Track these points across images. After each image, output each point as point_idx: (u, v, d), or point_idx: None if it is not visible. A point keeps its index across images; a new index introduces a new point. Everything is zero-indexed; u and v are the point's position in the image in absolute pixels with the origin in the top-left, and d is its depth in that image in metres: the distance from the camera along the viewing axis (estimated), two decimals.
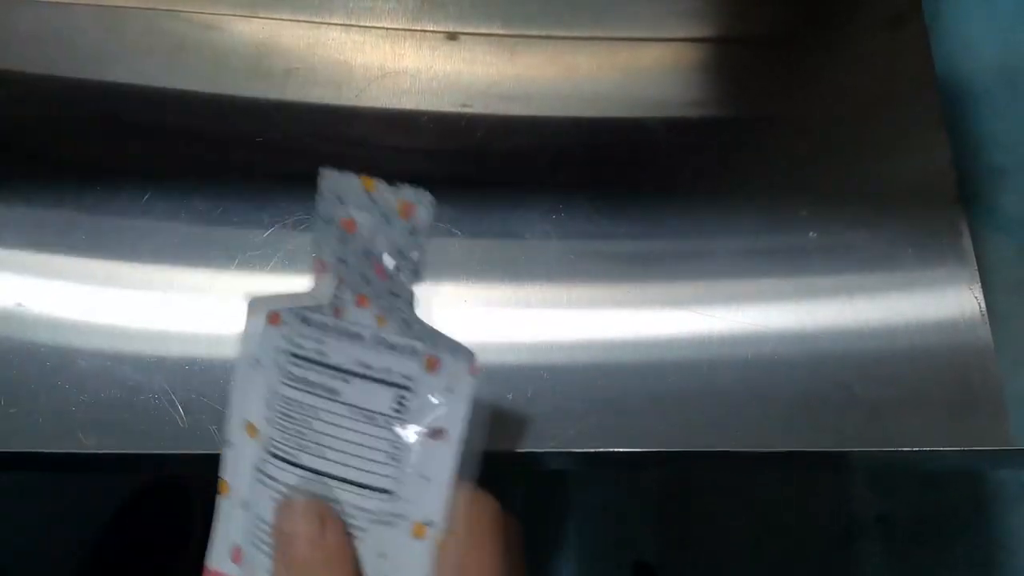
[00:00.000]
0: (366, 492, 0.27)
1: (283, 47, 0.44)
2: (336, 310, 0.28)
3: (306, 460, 0.27)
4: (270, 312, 0.28)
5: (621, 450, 0.36)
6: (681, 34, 0.47)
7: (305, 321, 0.28)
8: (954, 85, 0.99)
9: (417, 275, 0.28)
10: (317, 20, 0.45)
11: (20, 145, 0.42)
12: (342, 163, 0.41)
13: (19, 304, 0.37)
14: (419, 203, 0.27)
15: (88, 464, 0.35)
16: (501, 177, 0.42)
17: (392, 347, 0.28)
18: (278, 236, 0.39)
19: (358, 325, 0.28)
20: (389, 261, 0.28)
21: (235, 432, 0.28)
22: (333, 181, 0.27)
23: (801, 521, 0.90)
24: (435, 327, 0.28)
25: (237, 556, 0.27)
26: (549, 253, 0.40)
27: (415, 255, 0.28)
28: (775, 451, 0.36)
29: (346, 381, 0.27)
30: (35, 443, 0.34)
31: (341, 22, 0.45)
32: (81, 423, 0.35)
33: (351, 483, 0.27)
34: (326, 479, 0.27)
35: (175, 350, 0.37)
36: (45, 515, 0.86)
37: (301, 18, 0.45)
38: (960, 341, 0.39)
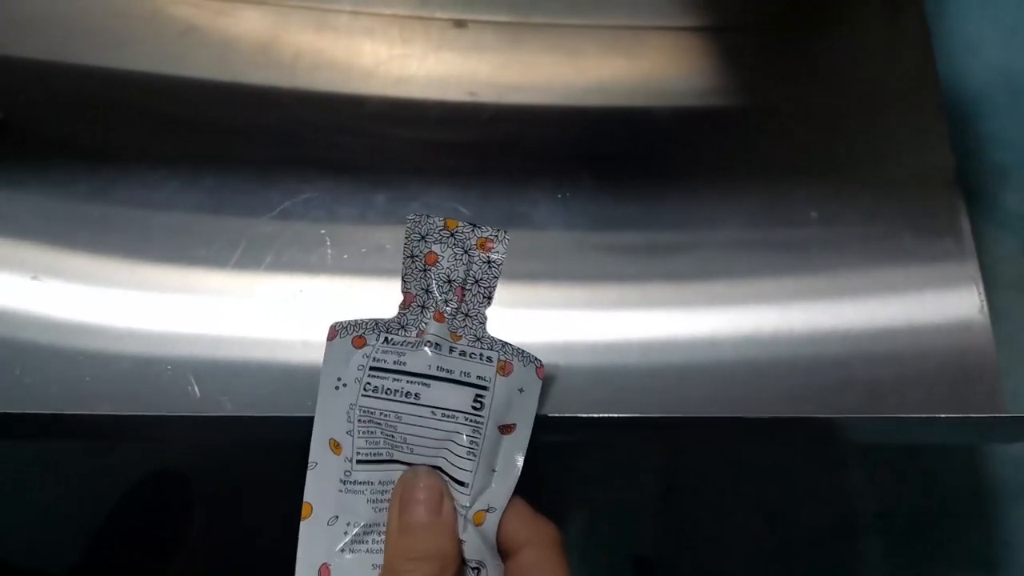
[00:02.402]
0: (448, 483, 0.29)
1: (292, 32, 0.45)
2: (420, 332, 0.31)
3: (398, 456, 0.29)
4: (355, 336, 0.30)
5: (619, 415, 0.36)
6: (685, 23, 0.47)
7: (388, 341, 0.30)
8: (957, 84, 1.00)
9: (489, 300, 0.32)
10: (326, 6, 0.46)
11: (33, 127, 0.42)
12: (349, 148, 0.42)
13: (34, 277, 0.38)
14: (496, 239, 0.31)
15: (101, 429, 0.36)
16: (506, 162, 0.43)
17: (467, 355, 0.30)
18: (288, 214, 0.40)
19: (435, 336, 0.30)
20: (466, 288, 0.31)
21: (319, 452, 0.30)
22: (417, 223, 0.31)
23: (802, 517, 0.90)
24: (504, 341, 0.31)
25: (325, 572, 0.29)
26: (553, 235, 0.41)
27: (489, 282, 0.31)
28: (770, 417, 0.37)
29: (426, 385, 0.30)
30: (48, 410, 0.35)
31: (350, 8, 0.46)
32: (95, 393, 0.35)
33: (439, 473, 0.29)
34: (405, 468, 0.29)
35: (188, 323, 0.37)
36: (47, 505, 0.87)
37: (310, 4, 0.46)
38: (956, 320, 0.39)
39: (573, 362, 0.38)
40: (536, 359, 0.31)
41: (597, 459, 0.88)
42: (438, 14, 0.46)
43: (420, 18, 0.46)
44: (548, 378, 0.37)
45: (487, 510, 0.29)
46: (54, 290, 0.38)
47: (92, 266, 0.38)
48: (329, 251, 0.39)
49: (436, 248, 0.31)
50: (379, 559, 0.28)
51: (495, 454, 0.30)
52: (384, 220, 0.40)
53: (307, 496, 0.29)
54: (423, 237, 0.31)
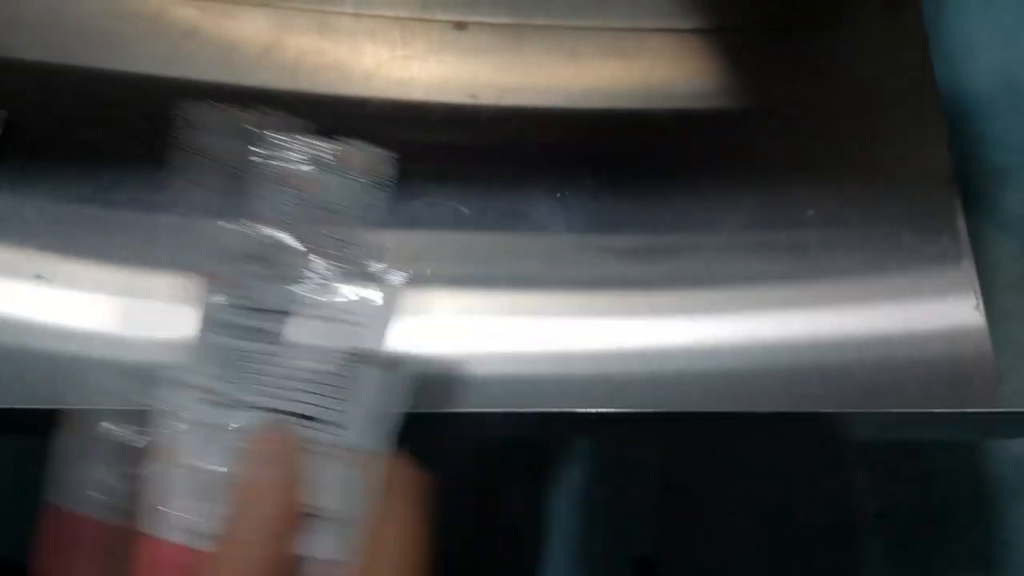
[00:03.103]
0: (310, 424, 0.27)
1: (294, 34, 0.45)
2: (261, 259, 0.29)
3: (250, 400, 0.27)
4: (208, 272, 0.29)
5: (620, 410, 0.37)
6: (684, 25, 0.47)
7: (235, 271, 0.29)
8: (956, 86, 1.00)
9: (361, 219, 0.30)
10: (328, 8, 0.46)
11: (37, 129, 0.43)
12: None
13: (39, 276, 0.38)
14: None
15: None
16: (506, 163, 0.43)
17: (327, 282, 0.29)
18: None
19: (292, 266, 0.29)
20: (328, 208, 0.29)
21: (169, 391, 0.28)
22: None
23: (803, 517, 0.91)
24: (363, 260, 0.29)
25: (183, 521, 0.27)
26: (553, 236, 0.41)
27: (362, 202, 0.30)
28: (768, 412, 0.37)
29: (280, 321, 0.28)
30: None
31: (351, 10, 0.46)
32: (100, 393, 0.36)
33: (294, 415, 0.27)
34: (272, 415, 0.27)
35: (191, 324, 0.37)
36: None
37: (312, 6, 0.46)
38: (954, 320, 0.40)
39: (572, 363, 0.38)
40: (396, 274, 0.29)
41: (596, 458, 0.88)
42: (439, 16, 0.46)
43: (421, 20, 0.46)
44: (547, 378, 0.37)
45: (363, 449, 0.27)
46: (58, 291, 0.38)
47: (96, 267, 0.39)
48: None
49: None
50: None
51: (362, 389, 0.28)
52: (385, 221, 0.40)
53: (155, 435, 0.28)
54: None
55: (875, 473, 0.92)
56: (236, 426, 0.27)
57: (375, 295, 0.29)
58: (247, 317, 0.28)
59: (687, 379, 0.38)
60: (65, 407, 0.35)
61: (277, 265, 0.29)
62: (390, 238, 0.40)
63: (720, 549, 0.90)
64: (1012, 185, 0.97)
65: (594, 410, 0.36)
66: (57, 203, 0.40)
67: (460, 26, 0.46)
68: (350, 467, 0.27)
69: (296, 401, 0.28)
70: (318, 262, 0.29)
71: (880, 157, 0.44)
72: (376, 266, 0.29)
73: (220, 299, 0.29)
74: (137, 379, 0.32)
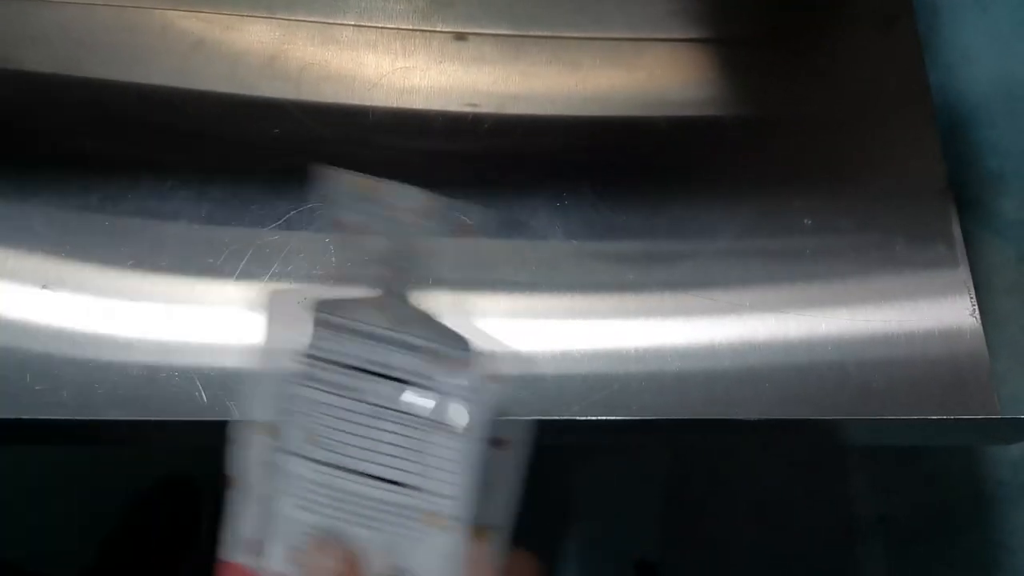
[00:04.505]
0: (383, 485, 0.28)
1: (298, 45, 0.46)
2: (357, 314, 0.29)
3: (322, 456, 0.28)
4: (289, 317, 0.29)
5: (617, 418, 0.37)
6: (682, 35, 0.48)
7: (325, 324, 0.29)
8: (952, 93, 1.01)
9: (409, 280, 0.30)
10: (331, 20, 0.47)
11: (45, 140, 0.43)
12: (353, 158, 0.43)
13: (44, 286, 0.39)
14: (419, 209, 0.29)
15: (111, 433, 0.37)
16: (506, 172, 0.44)
17: (413, 348, 0.29)
18: (293, 224, 0.41)
19: (375, 327, 0.29)
20: (407, 265, 0.29)
21: (246, 430, 0.29)
22: (333, 185, 0.29)
23: (804, 521, 0.91)
24: (460, 332, 0.29)
25: (250, 547, 0.28)
26: (553, 243, 0.41)
27: (415, 259, 0.30)
28: (765, 419, 0.38)
29: (367, 380, 0.28)
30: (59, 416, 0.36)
31: (354, 22, 0.47)
32: (104, 399, 0.36)
33: (368, 476, 0.28)
34: (343, 472, 0.28)
35: (195, 329, 0.38)
36: (56, 512, 0.87)
37: (315, 18, 0.46)
38: (949, 326, 0.40)
39: (571, 368, 0.38)
40: (492, 356, 0.29)
41: (597, 463, 0.89)
42: (439, 27, 0.47)
43: (422, 31, 0.47)
44: (548, 384, 0.38)
45: (447, 515, 0.28)
46: (64, 299, 0.39)
47: (102, 275, 0.39)
48: (333, 259, 0.40)
49: (355, 216, 0.29)
50: (285, 557, 0.28)
51: (443, 455, 0.28)
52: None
53: (232, 468, 0.28)
54: (340, 203, 0.29)
55: (874, 477, 0.92)
56: (304, 476, 0.28)
57: (476, 369, 0.29)
58: (347, 376, 0.29)
59: (685, 383, 0.38)
60: (68, 418, 0.36)
61: (382, 330, 0.29)
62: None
63: (720, 552, 0.90)
64: (1008, 191, 0.97)
65: (592, 418, 0.37)
66: (65, 212, 0.41)
67: (460, 37, 0.47)
68: (440, 534, 0.28)
69: (369, 462, 0.28)
70: (421, 332, 0.29)
71: (875, 165, 0.44)
72: (478, 336, 0.29)
73: (326, 356, 0.29)
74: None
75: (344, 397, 0.28)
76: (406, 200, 0.29)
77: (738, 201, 0.43)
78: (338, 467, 0.28)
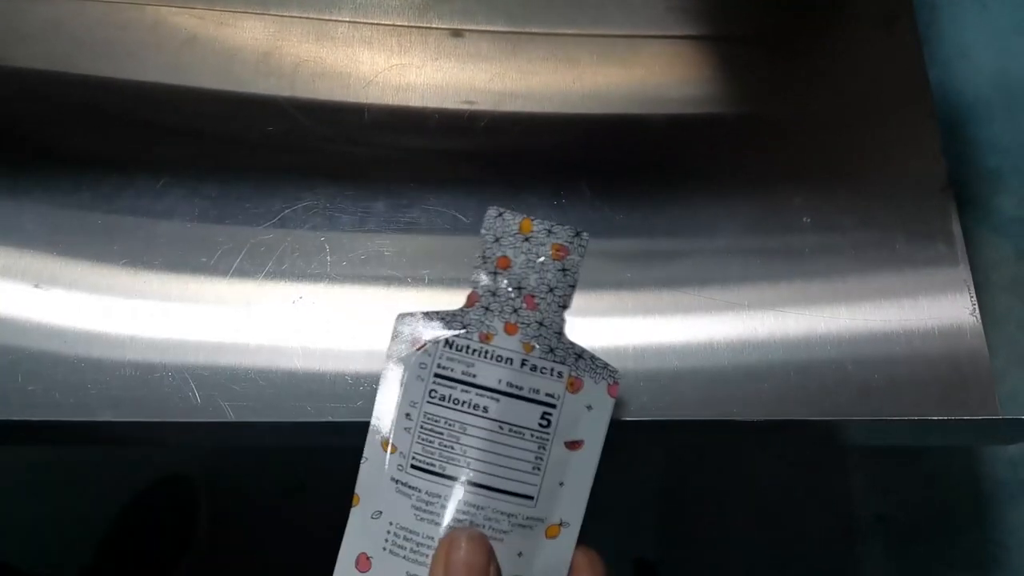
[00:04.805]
0: (508, 498, 0.29)
1: (292, 42, 0.45)
2: (483, 336, 0.30)
3: (452, 471, 0.29)
4: (414, 338, 0.30)
5: (616, 419, 0.36)
6: (681, 32, 0.48)
7: (450, 346, 0.30)
8: (950, 90, 1.01)
9: (565, 307, 0.31)
10: (325, 16, 0.46)
11: (37, 137, 0.43)
12: (348, 156, 0.43)
13: (37, 285, 0.38)
14: (571, 246, 0.32)
15: (103, 434, 0.36)
16: (503, 170, 0.43)
17: (538, 370, 0.30)
18: (288, 222, 0.40)
19: (506, 350, 0.30)
20: (538, 295, 0.31)
21: (372, 448, 0.30)
22: (492, 221, 0.31)
23: (802, 520, 0.91)
24: (580, 348, 0.31)
25: (364, 564, 0.29)
26: None
27: (564, 291, 0.31)
28: (763, 420, 0.37)
29: (495, 399, 0.30)
30: (52, 417, 0.36)
31: (349, 18, 0.46)
32: (97, 399, 0.36)
33: (495, 490, 0.29)
34: (471, 487, 0.29)
35: (189, 330, 0.38)
36: (52, 511, 0.87)
37: (310, 14, 0.46)
38: (949, 324, 0.40)
39: None
40: (611, 374, 0.31)
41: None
42: (436, 24, 0.46)
43: (418, 28, 0.46)
44: None
45: (560, 524, 0.30)
46: (57, 298, 0.38)
47: (95, 274, 0.39)
48: (328, 258, 0.40)
49: (509, 253, 0.31)
50: (413, 568, 0.29)
51: (562, 469, 0.30)
52: (383, 227, 0.41)
53: (357, 487, 0.30)
54: (497, 239, 0.31)
55: (874, 476, 0.92)
56: (431, 492, 0.29)
57: (590, 385, 0.31)
58: (465, 391, 0.30)
59: (684, 382, 0.38)
60: (61, 419, 0.35)
61: (498, 347, 0.30)
62: (389, 243, 0.40)
63: (719, 551, 0.90)
64: (1007, 188, 0.97)
65: None
66: (57, 210, 0.40)
67: (457, 34, 0.46)
68: (543, 536, 0.29)
69: (496, 476, 0.29)
70: (537, 348, 0.31)
71: (875, 163, 0.44)
72: (591, 359, 0.31)
73: (430, 363, 0.30)
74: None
75: (478, 416, 0.30)
76: (558, 237, 0.31)
77: (737, 199, 0.43)
78: (463, 481, 0.29)
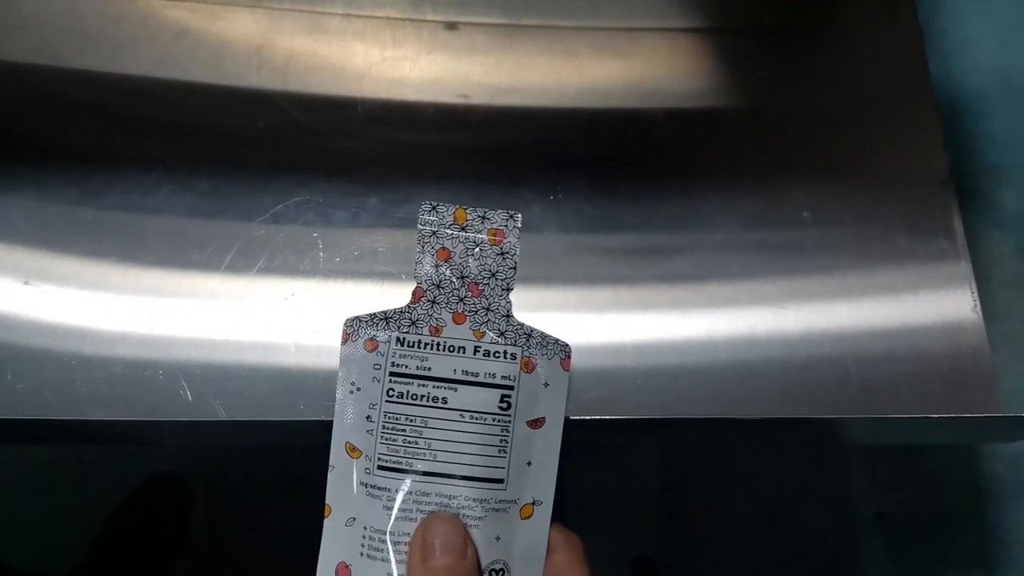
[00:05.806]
0: (480, 484, 0.30)
1: (284, 35, 0.45)
2: (433, 329, 0.31)
3: (419, 465, 0.29)
4: (366, 340, 0.30)
5: (614, 417, 0.36)
6: (678, 24, 0.47)
7: (402, 343, 0.30)
8: (952, 85, 1.00)
9: (509, 290, 0.32)
10: (318, 9, 0.46)
11: (27, 132, 0.42)
12: (341, 150, 0.42)
13: (26, 282, 0.38)
14: (507, 229, 0.32)
15: (94, 433, 0.36)
16: (499, 164, 0.43)
17: (491, 354, 0.31)
18: (280, 217, 0.40)
19: (458, 339, 0.31)
20: (481, 281, 0.31)
21: (337, 456, 0.30)
22: (427, 215, 0.31)
23: (802, 517, 0.90)
24: (529, 328, 0.31)
25: (344, 571, 0.29)
26: (547, 237, 0.41)
27: (505, 274, 0.32)
28: (763, 418, 0.37)
29: (453, 389, 0.30)
30: (41, 415, 0.35)
31: (342, 11, 0.46)
32: (88, 397, 0.35)
33: (465, 478, 0.30)
34: (440, 479, 0.29)
35: (181, 326, 0.37)
36: (47, 510, 0.87)
37: (302, 7, 0.46)
38: (951, 320, 0.39)
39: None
40: (562, 349, 0.31)
41: (594, 461, 0.88)
42: (430, 16, 0.46)
43: (412, 20, 0.46)
44: None
45: (533, 503, 0.30)
46: (47, 294, 0.38)
47: (85, 270, 0.38)
48: (321, 254, 0.39)
49: (448, 244, 0.31)
50: (392, 569, 0.29)
51: (528, 449, 0.30)
52: (376, 223, 0.40)
53: (328, 497, 0.30)
54: (434, 232, 0.31)
55: (874, 473, 0.92)
56: (402, 490, 0.29)
57: (544, 362, 0.31)
58: (423, 385, 0.30)
59: (683, 379, 0.38)
60: (53, 418, 0.35)
61: (449, 337, 0.31)
62: (382, 239, 0.40)
63: (719, 548, 0.90)
64: (1008, 183, 0.96)
65: (587, 417, 0.36)
66: (46, 206, 0.40)
67: (451, 26, 0.46)
68: (517, 517, 0.30)
69: (464, 464, 0.30)
70: (488, 334, 0.31)
71: (875, 157, 0.44)
72: (541, 337, 0.31)
73: (384, 363, 0.30)
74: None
75: (438, 408, 0.30)
76: (492, 223, 0.32)
77: (736, 194, 0.42)
78: (432, 474, 0.30)
